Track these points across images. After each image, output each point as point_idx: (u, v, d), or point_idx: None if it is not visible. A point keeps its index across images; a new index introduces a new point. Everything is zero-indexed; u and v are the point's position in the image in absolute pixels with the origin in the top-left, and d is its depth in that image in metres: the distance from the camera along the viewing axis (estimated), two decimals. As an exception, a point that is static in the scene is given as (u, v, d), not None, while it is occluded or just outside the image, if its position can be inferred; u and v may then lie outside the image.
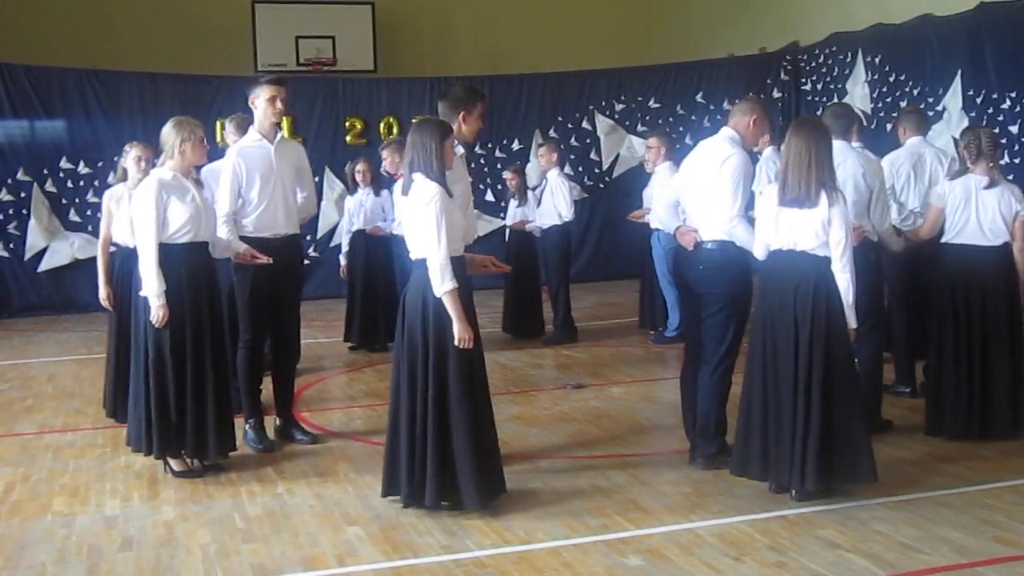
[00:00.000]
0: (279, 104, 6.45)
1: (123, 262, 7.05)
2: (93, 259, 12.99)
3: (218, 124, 13.40)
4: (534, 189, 10.72)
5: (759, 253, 5.46)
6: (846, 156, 6.24)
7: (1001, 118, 11.23)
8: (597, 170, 15.45)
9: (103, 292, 7.23)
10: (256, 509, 5.41)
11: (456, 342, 5.07)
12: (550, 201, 10.11)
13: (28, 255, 13.17)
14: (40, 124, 13.38)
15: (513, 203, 10.71)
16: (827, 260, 5.18)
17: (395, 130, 14.44)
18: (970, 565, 4.43)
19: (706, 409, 5.83)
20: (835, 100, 13.99)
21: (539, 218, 10.22)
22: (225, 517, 5.30)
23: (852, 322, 5.22)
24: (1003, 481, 5.50)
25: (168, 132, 5.85)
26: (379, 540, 4.92)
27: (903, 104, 12.51)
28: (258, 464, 6.17)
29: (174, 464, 5.95)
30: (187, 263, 5.80)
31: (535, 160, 14.94)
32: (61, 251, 13.27)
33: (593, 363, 9.20)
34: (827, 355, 5.16)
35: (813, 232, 5.16)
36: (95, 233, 13.18)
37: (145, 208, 5.73)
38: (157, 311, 5.69)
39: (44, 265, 13.24)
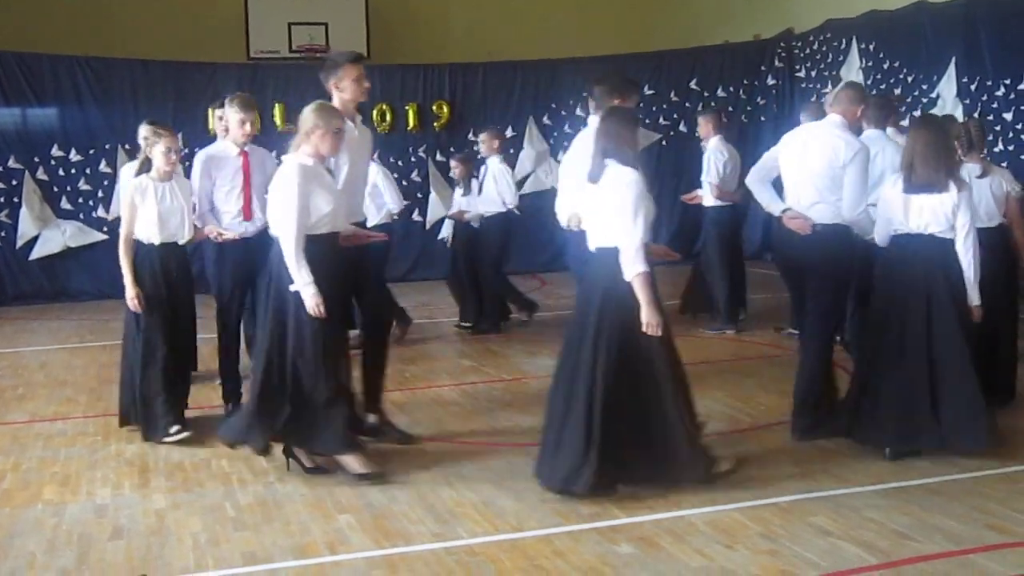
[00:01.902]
0: (366, 82, 6.10)
1: (149, 259, 6.47)
2: (85, 247, 13.21)
3: (210, 112, 13.44)
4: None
5: (882, 239, 5.92)
6: (884, 145, 6.71)
7: (995, 105, 11.22)
8: (591, 157, 15.39)
9: (131, 292, 6.39)
10: (247, 498, 5.39)
11: (644, 327, 5.09)
12: (493, 188, 9.95)
13: (20, 243, 13.13)
14: (32, 112, 13.31)
15: (458, 191, 10.43)
16: (951, 242, 5.64)
17: (388, 117, 14.41)
18: (962, 552, 4.43)
19: (812, 382, 6.06)
20: (828, 87, 14.00)
21: (480, 206, 10.05)
22: (216, 506, 5.28)
23: (975, 299, 5.64)
24: (995, 469, 5.50)
25: (307, 116, 5.53)
26: (370, 528, 4.91)
27: (897, 91, 12.51)
28: (249, 452, 6.12)
29: (305, 460, 5.74)
30: (328, 254, 5.55)
31: (528, 148, 14.95)
32: (53, 239, 13.23)
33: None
34: (959, 327, 5.61)
35: (943, 216, 5.61)
36: (87, 221, 13.27)
37: (289, 196, 5.41)
38: (312, 300, 5.37)
39: (36, 253, 13.20)
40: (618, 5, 17.66)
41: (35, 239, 13.18)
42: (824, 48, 14.41)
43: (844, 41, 13.91)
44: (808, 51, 14.82)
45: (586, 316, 5.21)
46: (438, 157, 14.49)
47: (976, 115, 11.05)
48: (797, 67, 15.11)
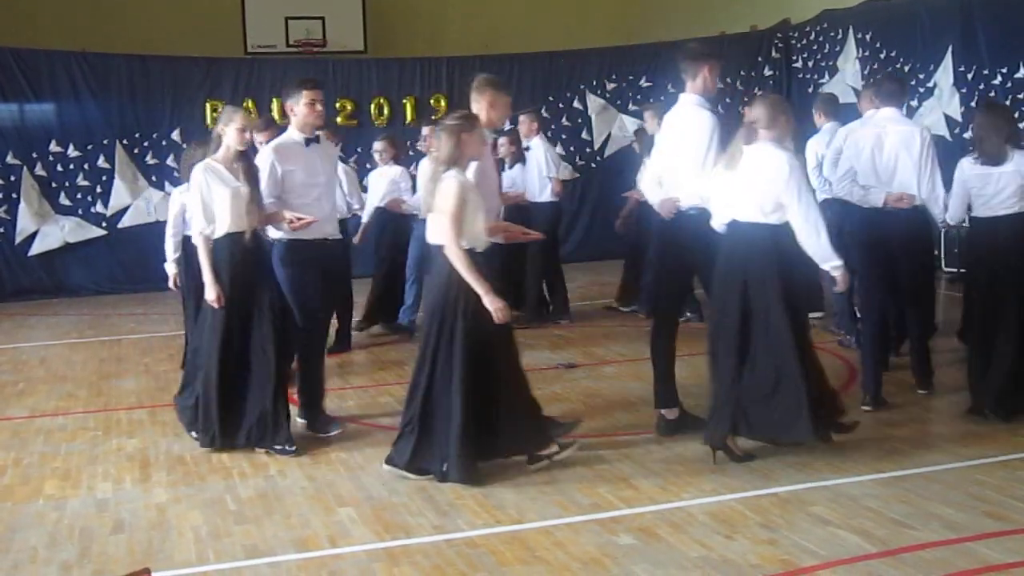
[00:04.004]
0: (719, 83, 6.22)
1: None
2: (84, 243, 13.21)
3: (207, 105, 13.46)
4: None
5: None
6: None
7: (992, 94, 11.22)
8: (588, 149, 15.40)
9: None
10: (248, 491, 5.41)
11: None
12: (536, 173, 10.12)
13: (19, 239, 13.11)
14: (29, 107, 13.29)
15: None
16: None
17: (386, 111, 14.41)
18: (960, 540, 4.44)
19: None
20: (826, 78, 14.01)
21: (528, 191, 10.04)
22: (217, 499, 5.30)
23: None
24: (993, 457, 5.52)
25: (772, 105, 5.65)
26: (371, 521, 4.93)
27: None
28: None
29: (736, 449, 5.61)
30: None
31: (525, 140, 14.89)
32: (52, 235, 13.22)
33: (585, 343, 9.19)
34: None
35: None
36: (86, 216, 13.27)
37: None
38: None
39: (35, 249, 13.18)
40: (615, -3, 17.65)
41: (34, 235, 13.16)
42: (821, 38, 14.40)
43: (841, 31, 13.90)
44: (805, 42, 14.80)
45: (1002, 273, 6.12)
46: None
47: (973, 104, 11.09)
48: (794, 58, 15.10)
